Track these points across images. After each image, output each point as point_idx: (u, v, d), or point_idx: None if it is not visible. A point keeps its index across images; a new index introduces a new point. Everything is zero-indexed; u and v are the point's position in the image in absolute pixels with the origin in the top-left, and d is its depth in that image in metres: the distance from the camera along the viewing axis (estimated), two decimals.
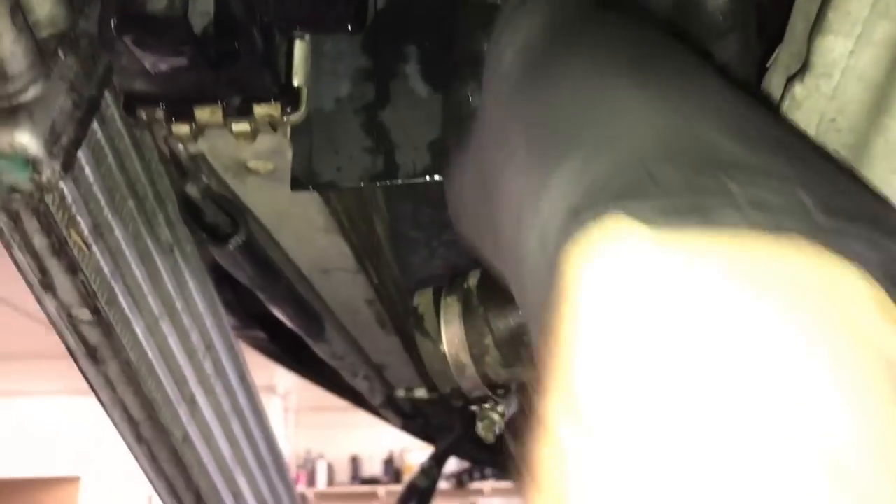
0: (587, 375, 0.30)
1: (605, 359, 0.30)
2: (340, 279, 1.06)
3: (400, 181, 0.65)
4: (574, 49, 0.44)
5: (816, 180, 0.33)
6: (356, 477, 7.08)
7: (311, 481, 6.96)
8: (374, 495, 6.83)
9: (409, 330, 1.31)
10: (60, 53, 0.63)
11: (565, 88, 0.42)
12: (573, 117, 0.39)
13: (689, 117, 0.36)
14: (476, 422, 0.76)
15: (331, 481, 7.06)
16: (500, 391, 0.77)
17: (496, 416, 0.80)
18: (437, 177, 0.65)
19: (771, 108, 0.53)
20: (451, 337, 0.77)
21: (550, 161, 0.37)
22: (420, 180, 0.65)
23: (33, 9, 0.62)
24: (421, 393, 1.72)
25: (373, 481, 6.97)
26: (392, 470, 6.99)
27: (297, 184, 0.67)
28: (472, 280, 0.77)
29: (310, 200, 0.80)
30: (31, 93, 0.60)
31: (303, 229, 0.91)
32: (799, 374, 0.27)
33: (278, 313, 0.96)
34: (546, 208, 0.36)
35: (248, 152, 0.71)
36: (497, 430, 0.80)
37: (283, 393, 6.65)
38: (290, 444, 6.91)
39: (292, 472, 6.55)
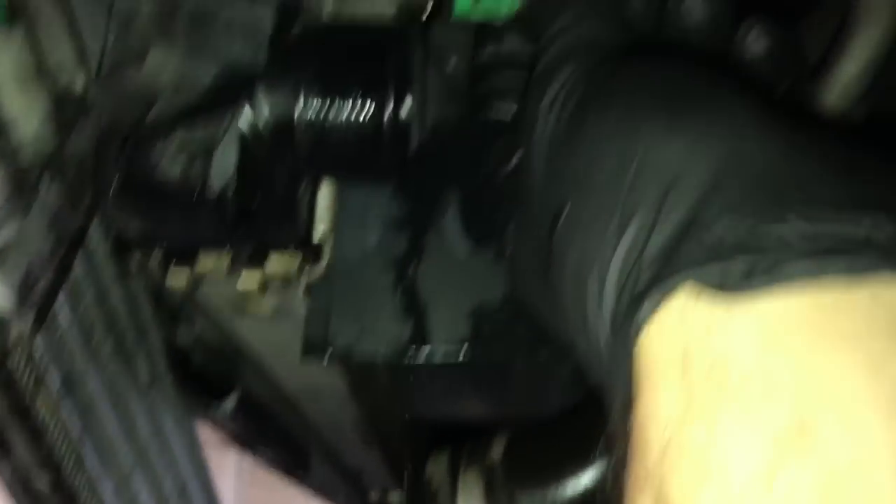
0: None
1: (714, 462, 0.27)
2: (330, 405, 0.98)
3: (432, 354, 0.56)
4: (605, 97, 0.39)
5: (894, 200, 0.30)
6: None
7: None
8: None
9: (392, 441, 1.21)
10: (44, 181, 0.53)
11: (601, 143, 0.37)
12: (615, 175, 0.35)
13: (739, 150, 0.32)
14: None
15: None
16: None
17: None
18: (473, 350, 0.56)
19: (826, 123, 0.46)
20: None
21: (603, 233, 0.34)
22: (454, 352, 0.56)
23: (17, 128, 0.53)
24: (395, 498, 1.65)
25: None
26: None
27: (311, 349, 0.57)
28: (497, 451, 0.68)
29: None
30: (4, 234, 0.50)
31: (298, 362, 0.82)
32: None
33: (263, 454, 0.86)
34: (610, 292, 0.33)
35: (251, 298, 0.62)
36: None
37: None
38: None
39: None
